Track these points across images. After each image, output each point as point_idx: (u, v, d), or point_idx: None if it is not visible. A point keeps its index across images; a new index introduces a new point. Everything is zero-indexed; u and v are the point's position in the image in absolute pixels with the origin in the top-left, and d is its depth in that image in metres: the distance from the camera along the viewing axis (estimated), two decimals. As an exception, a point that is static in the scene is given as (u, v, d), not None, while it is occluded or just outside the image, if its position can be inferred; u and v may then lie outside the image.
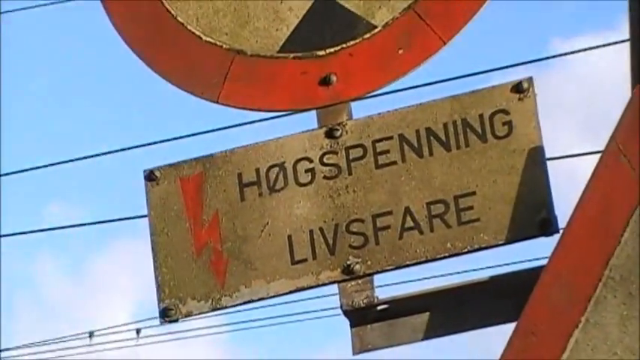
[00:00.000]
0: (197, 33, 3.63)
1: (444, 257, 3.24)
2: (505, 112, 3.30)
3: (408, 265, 3.24)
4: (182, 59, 3.71)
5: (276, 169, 3.46)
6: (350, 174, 3.38)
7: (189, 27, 3.64)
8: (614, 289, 2.96)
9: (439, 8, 3.44)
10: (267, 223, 3.44)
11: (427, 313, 3.24)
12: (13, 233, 7.99)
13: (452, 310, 3.27)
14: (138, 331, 16.08)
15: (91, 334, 16.65)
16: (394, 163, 3.35)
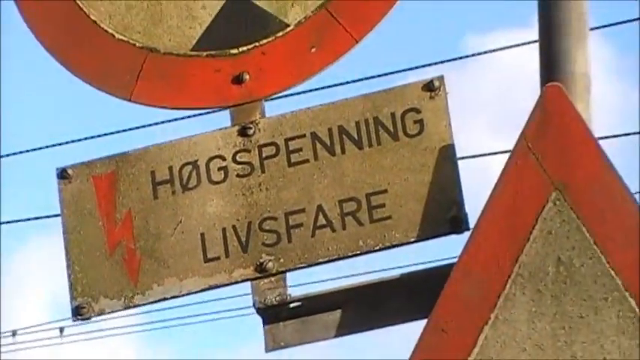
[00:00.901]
0: (110, 31, 3.57)
1: (357, 255, 3.23)
2: (417, 110, 3.31)
3: (320, 263, 3.26)
4: (96, 58, 3.66)
5: (189, 167, 3.45)
6: (263, 172, 3.39)
7: (102, 25, 3.59)
8: (523, 286, 2.98)
9: (351, 6, 3.45)
10: (181, 222, 3.43)
11: (339, 311, 3.24)
12: None
13: (364, 308, 3.26)
14: (61, 329, 16.37)
15: (14, 333, 16.85)
16: (307, 161, 3.36)
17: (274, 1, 3.52)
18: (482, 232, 3.05)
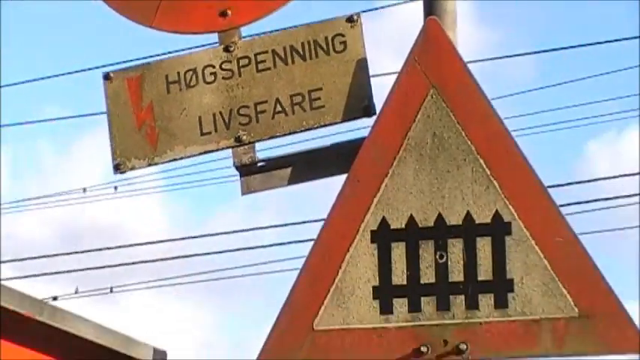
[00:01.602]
0: None
1: (301, 131, 3.68)
2: (342, 35, 3.68)
3: (277, 137, 3.70)
4: (141, 8, 3.95)
5: (191, 72, 3.76)
6: (240, 76, 3.72)
7: None
8: (410, 152, 3.38)
9: None
10: (185, 108, 3.78)
11: (290, 168, 3.67)
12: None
13: (307, 166, 3.69)
14: (115, 187, 18.70)
15: (84, 190, 18.49)
16: (269, 69, 3.74)
17: None
18: (384, 116, 3.42)
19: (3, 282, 5.05)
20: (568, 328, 3.13)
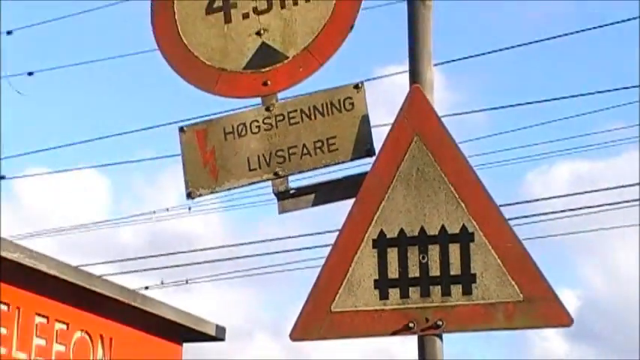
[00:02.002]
0: (201, 58, 4.22)
1: (322, 167, 4.01)
2: (350, 98, 4.02)
3: (304, 171, 4.04)
4: (193, 68, 4.29)
5: (242, 125, 4.11)
6: (277, 128, 4.07)
7: (194, 52, 4.22)
8: (400, 182, 3.71)
9: (319, 47, 4.09)
10: (237, 152, 4.11)
11: (314, 194, 4.04)
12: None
13: (326, 192, 4.03)
14: (189, 208, 19.42)
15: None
16: (298, 122, 4.07)
17: (282, 45, 4.13)
18: (381, 156, 3.76)
19: (107, 277, 5.47)
20: (516, 309, 3.48)
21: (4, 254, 4.00)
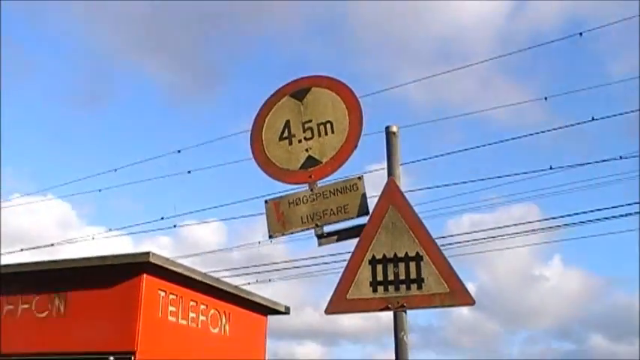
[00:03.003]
0: (277, 164, 4.57)
1: (342, 221, 4.30)
2: (356, 184, 4.34)
3: (331, 223, 4.36)
4: (275, 171, 4.58)
5: (298, 199, 4.46)
6: (316, 200, 4.41)
7: (274, 162, 4.58)
8: (383, 228, 4.05)
9: (338, 157, 4.39)
10: (294, 213, 4.43)
11: (337, 236, 4.40)
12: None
13: (345, 234, 4.38)
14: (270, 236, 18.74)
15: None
16: (328, 197, 4.39)
17: (317, 154, 4.44)
18: (372, 215, 4.16)
19: (224, 278, 5.63)
20: (445, 296, 3.93)
21: (173, 268, 4.46)
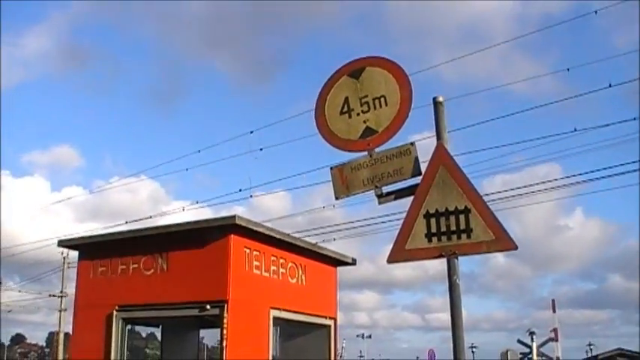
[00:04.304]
0: (339, 135, 4.83)
1: (398, 181, 4.55)
2: (409, 149, 4.56)
3: (389, 184, 4.58)
4: (338, 141, 4.85)
5: (359, 164, 4.72)
6: (375, 165, 4.68)
7: (336, 133, 4.86)
8: (435, 185, 4.42)
9: (392, 126, 4.65)
10: (356, 177, 4.70)
11: (394, 195, 4.67)
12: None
13: (403, 192, 4.61)
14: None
15: None
16: (385, 162, 4.63)
17: (375, 126, 4.71)
18: (425, 174, 4.44)
19: (295, 234, 6.08)
20: (491, 243, 4.16)
21: (255, 228, 4.82)
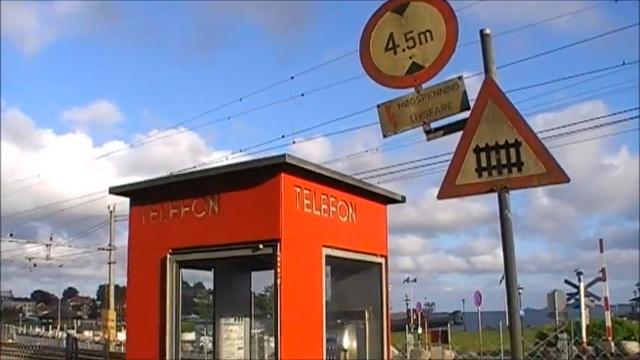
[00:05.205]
0: (384, 72, 4.82)
1: (447, 116, 4.54)
2: (457, 83, 4.54)
3: (437, 119, 4.57)
4: (384, 78, 4.84)
5: (406, 101, 4.69)
6: (423, 101, 4.63)
7: (382, 70, 4.84)
8: (484, 119, 4.37)
9: (438, 61, 4.60)
10: (403, 113, 4.71)
11: (443, 130, 4.65)
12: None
13: (452, 127, 4.59)
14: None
15: None
16: (432, 97, 4.57)
17: (421, 61, 4.66)
18: (474, 108, 4.46)
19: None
20: (542, 176, 4.12)
21: (305, 167, 4.82)
